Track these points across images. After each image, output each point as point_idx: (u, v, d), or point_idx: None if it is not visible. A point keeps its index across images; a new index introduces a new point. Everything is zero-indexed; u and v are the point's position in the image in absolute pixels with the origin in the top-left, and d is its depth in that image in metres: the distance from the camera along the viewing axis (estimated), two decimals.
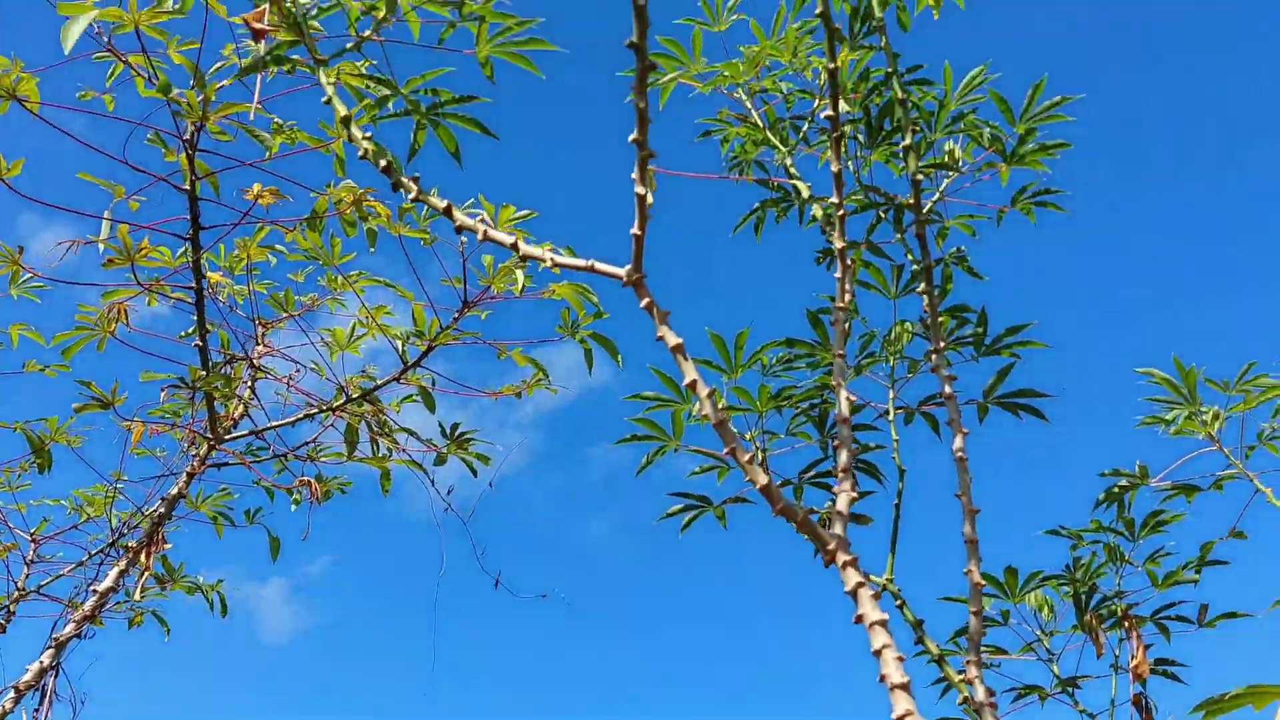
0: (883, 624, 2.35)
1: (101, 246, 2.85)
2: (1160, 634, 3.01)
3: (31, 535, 3.41)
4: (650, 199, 2.40)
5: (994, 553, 2.87)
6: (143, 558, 3.05)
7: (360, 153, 2.33)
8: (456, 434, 3.38)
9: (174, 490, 3.16)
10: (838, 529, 2.50)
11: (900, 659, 2.32)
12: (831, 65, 2.41)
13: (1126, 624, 2.93)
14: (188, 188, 2.87)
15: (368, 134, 2.29)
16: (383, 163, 2.36)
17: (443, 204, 2.40)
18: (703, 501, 3.00)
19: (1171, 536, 3.04)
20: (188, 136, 2.80)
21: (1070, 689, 3.01)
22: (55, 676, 2.91)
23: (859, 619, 2.37)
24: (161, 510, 3.13)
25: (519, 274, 3.21)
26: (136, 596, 3.17)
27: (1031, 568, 3.10)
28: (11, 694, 2.85)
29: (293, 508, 3.32)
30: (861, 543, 2.50)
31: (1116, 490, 3.03)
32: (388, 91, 2.53)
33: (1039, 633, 3.09)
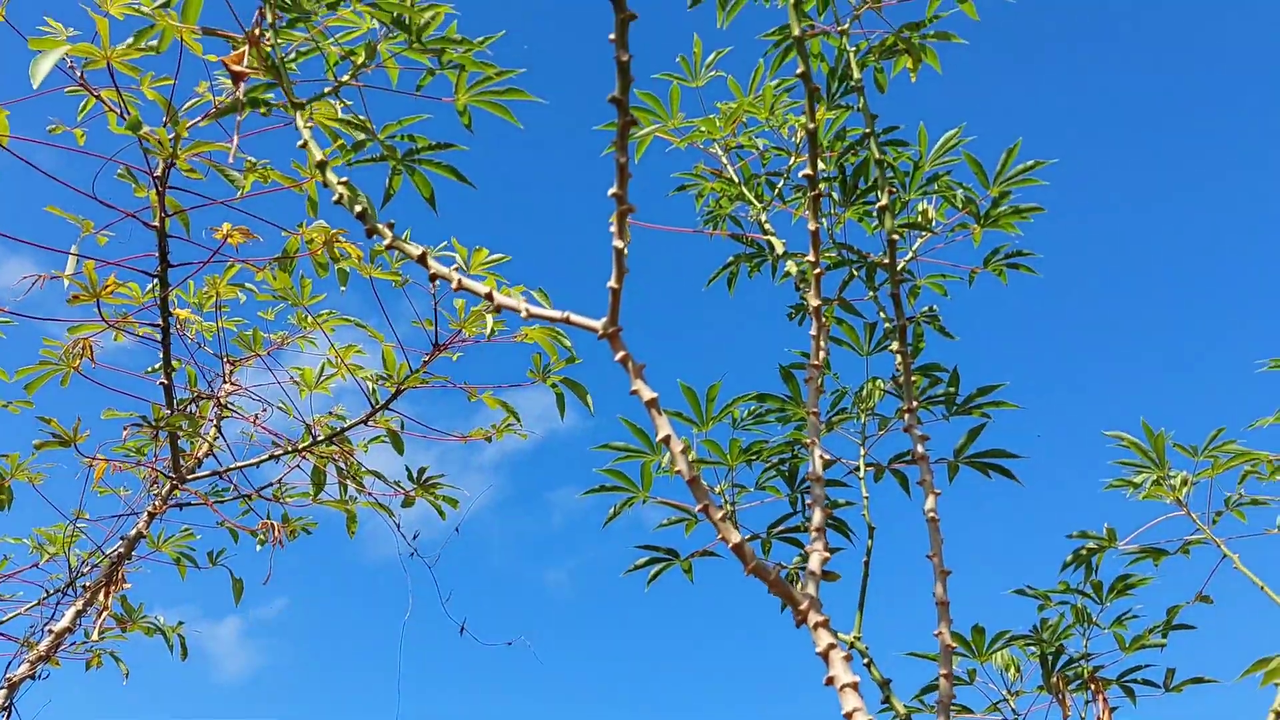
0: (854, 686, 2.33)
1: (67, 281, 2.81)
2: (1126, 697, 3.01)
3: None
4: (626, 253, 2.40)
5: (961, 611, 2.86)
6: (101, 597, 2.98)
7: (335, 197, 2.32)
8: (424, 478, 3.34)
9: (135, 530, 3.10)
10: (810, 589, 2.49)
11: None
12: (810, 124, 2.43)
13: (1093, 686, 2.93)
14: (157, 224, 2.83)
15: (343, 179, 2.28)
16: (357, 209, 2.35)
17: (417, 251, 2.39)
18: (670, 554, 2.97)
19: (1139, 599, 3.05)
20: (158, 173, 2.77)
21: None
22: (8, 717, 2.83)
23: (830, 681, 2.35)
24: (121, 550, 3.06)
25: (489, 318, 3.20)
26: (95, 637, 3.10)
27: (998, 627, 3.09)
28: None
29: (257, 549, 3.26)
30: (827, 595, 2.49)
31: (1084, 552, 3.04)
32: (364, 136, 2.52)
33: (1005, 693, 3.08)
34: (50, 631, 2.92)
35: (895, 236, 2.84)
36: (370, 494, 3.30)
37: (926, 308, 3.15)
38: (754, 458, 2.99)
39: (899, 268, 2.93)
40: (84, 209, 2.84)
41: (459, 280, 2.51)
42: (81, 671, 3.43)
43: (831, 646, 2.38)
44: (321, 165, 2.45)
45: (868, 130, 2.86)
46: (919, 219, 3.13)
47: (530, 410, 3.67)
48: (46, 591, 3.25)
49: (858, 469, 3.00)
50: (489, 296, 2.52)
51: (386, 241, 2.38)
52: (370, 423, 3.16)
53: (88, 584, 3.03)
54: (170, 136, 2.72)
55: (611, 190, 2.33)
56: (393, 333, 3.17)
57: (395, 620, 3.31)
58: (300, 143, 2.42)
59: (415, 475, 3.35)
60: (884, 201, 2.81)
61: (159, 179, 2.80)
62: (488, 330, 3.18)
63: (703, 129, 3.18)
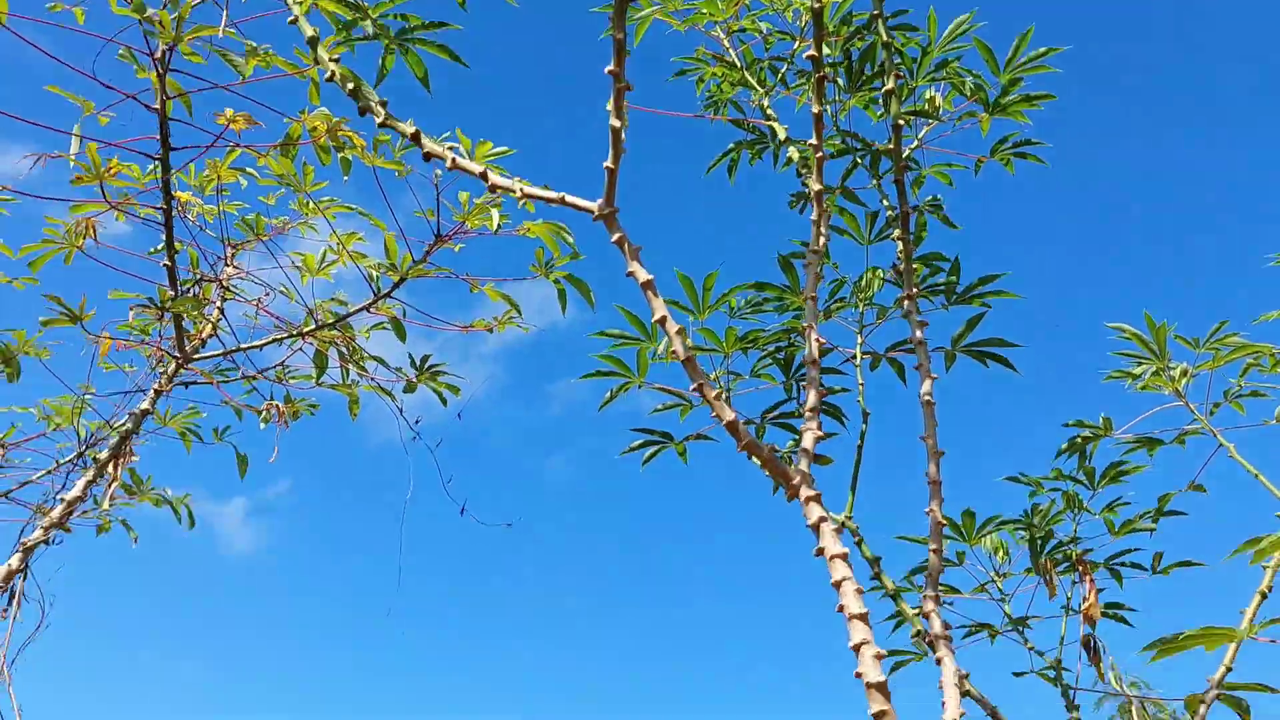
0: (843, 557, 2.39)
1: (71, 162, 2.82)
2: (1113, 579, 3.06)
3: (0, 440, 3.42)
4: (624, 133, 2.40)
5: (953, 502, 2.91)
6: (110, 468, 3.05)
7: (327, 75, 2.31)
8: (427, 365, 3.37)
9: (142, 406, 3.16)
10: (802, 465, 2.53)
11: (859, 591, 2.36)
12: (816, 5, 2.39)
13: (1080, 568, 2.98)
14: (158, 107, 2.83)
15: (335, 56, 2.27)
16: (350, 86, 2.35)
17: (411, 129, 2.39)
18: (665, 437, 3.01)
19: (1131, 488, 3.08)
20: (159, 55, 2.76)
21: (1021, 628, 3.06)
22: (24, 579, 2.93)
23: (820, 552, 2.40)
24: (129, 425, 3.12)
25: (494, 212, 3.19)
26: (105, 505, 3.18)
27: (989, 514, 3.14)
28: None
29: (261, 426, 3.32)
30: (821, 483, 2.52)
31: (1079, 440, 3.05)
32: (357, 14, 2.50)
33: (993, 574, 3.14)
34: (62, 500, 3.00)
35: (901, 122, 2.81)
36: (372, 378, 3.34)
37: (930, 197, 3.13)
38: (750, 345, 3.00)
39: (904, 155, 2.91)
40: (84, 91, 2.83)
41: (453, 159, 2.51)
42: (93, 539, 3.54)
43: (822, 519, 2.43)
44: (313, 42, 2.44)
45: (875, 13, 2.81)
46: (926, 106, 3.08)
47: (530, 303, 3.68)
48: (57, 462, 3.34)
49: (854, 357, 3.02)
50: (484, 176, 2.52)
51: (380, 118, 2.38)
52: (372, 310, 3.19)
53: (97, 455, 3.11)
54: (172, 18, 2.70)
55: (608, 68, 2.31)
56: (395, 222, 3.18)
57: (397, 502, 3.38)
58: (291, 19, 2.40)
59: (417, 362, 3.38)
60: (890, 86, 2.78)
61: (160, 61, 2.79)
62: (492, 223, 3.18)
63: (704, 10, 3.12)
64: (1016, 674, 3.01)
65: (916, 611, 2.78)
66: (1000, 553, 3.11)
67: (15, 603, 2.93)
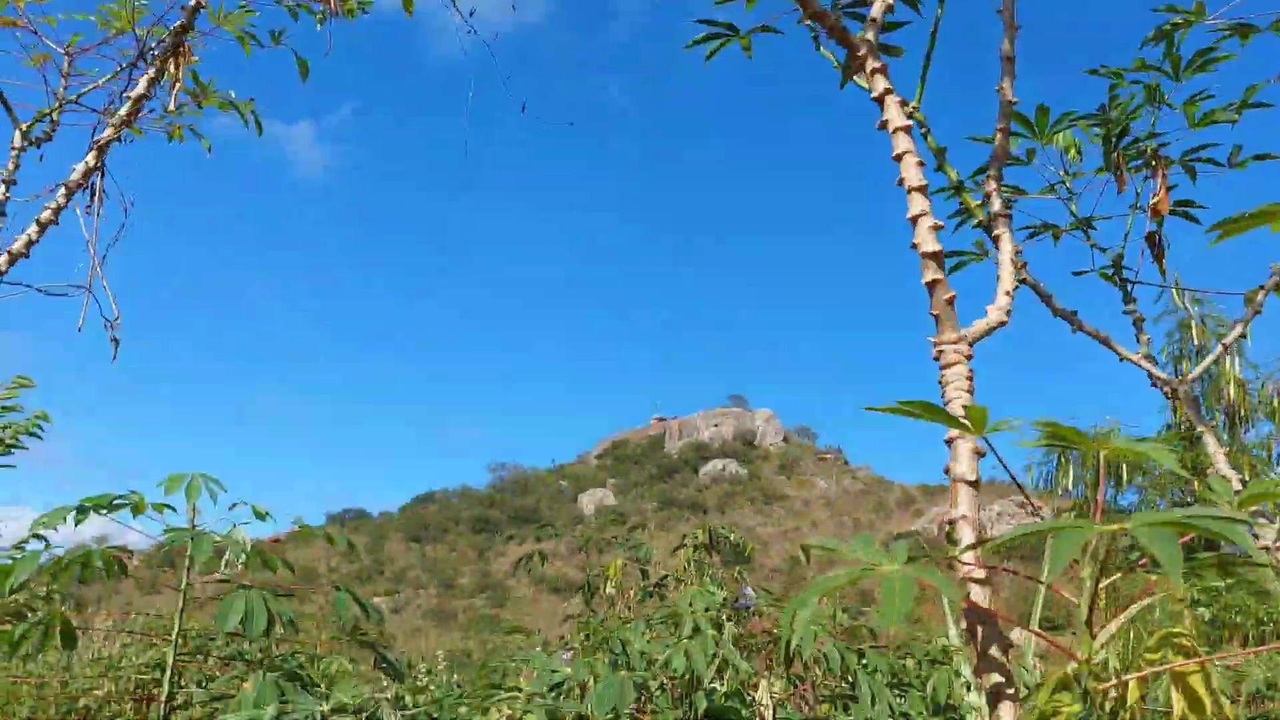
0: (906, 130, 2.34)
1: None
2: (1187, 175, 2.96)
3: (65, 49, 3.41)
4: None
5: (1027, 97, 2.78)
6: (171, 68, 3.05)
7: None
8: None
9: (193, 1, 3.10)
10: (868, 35, 2.44)
11: (920, 164, 2.33)
12: None
13: (1154, 163, 2.89)
14: None
15: None
16: None
17: None
18: (729, 29, 2.89)
19: (1218, 79, 2.90)
20: None
21: (1086, 228, 3.02)
22: (102, 177, 3.02)
23: (883, 125, 2.35)
24: (183, 20, 3.09)
25: None
26: (171, 107, 3.21)
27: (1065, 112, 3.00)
28: (63, 191, 2.98)
29: (318, 28, 3.26)
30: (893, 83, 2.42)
31: (1168, 28, 2.86)
32: None
33: (1063, 173, 3.05)
34: (128, 98, 3.03)
35: None
36: None
37: None
38: None
39: None
40: None
41: None
42: (171, 154, 3.61)
43: (887, 91, 2.36)
44: None
45: None
46: None
47: None
48: (119, 66, 3.35)
49: None
50: None
51: None
52: None
53: (157, 56, 3.10)
54: None
55: None
56: None
57: (457, 120, 3.38)
58: None
59: None
60: None
61: None
62: None
63: None
64: (1077, 273, 3.00)
65: (979, 204, 2.76)
66: (1072, 151, 3.00)
67: (97, 200, 3.04)
